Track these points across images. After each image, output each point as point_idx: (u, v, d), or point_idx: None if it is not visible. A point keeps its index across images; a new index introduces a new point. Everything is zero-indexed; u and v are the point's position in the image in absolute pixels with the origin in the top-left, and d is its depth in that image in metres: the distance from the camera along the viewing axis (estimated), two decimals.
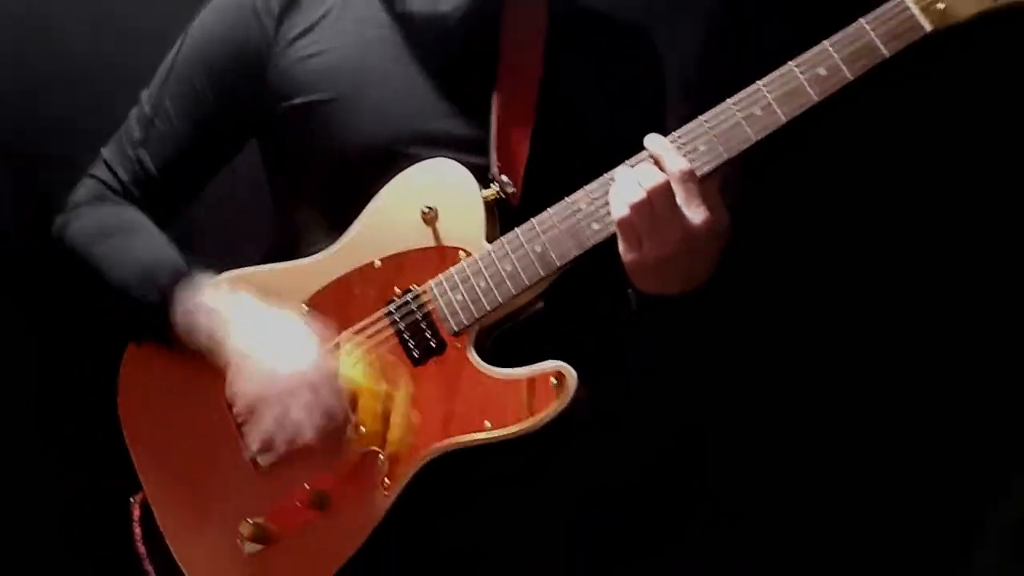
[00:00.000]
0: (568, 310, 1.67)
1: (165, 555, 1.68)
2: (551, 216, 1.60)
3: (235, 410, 1.61)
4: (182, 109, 1.74)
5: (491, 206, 1.65)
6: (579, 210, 1.59)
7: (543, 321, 1.64)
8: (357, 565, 1.62)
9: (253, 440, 1.60)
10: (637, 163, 1.55)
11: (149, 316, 1.66)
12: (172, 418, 1.71)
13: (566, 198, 1.60)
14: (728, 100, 1.55)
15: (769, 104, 1.53)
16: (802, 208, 2.38)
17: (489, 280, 1.61)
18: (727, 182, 1.57)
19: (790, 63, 1.54)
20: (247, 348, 1.60)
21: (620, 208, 1.53)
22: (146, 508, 1.70)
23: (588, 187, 1.59)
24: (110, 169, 1.77)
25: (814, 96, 1.53)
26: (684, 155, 1.53)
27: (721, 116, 1.54)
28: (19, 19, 2.29)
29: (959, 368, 2.38)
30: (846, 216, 2.38)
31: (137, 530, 1.70)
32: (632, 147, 1.58)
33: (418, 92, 1.70)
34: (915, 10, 1.50)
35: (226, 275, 1.69)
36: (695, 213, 1.51)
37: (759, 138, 1.54)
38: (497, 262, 1.61)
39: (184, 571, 1.67)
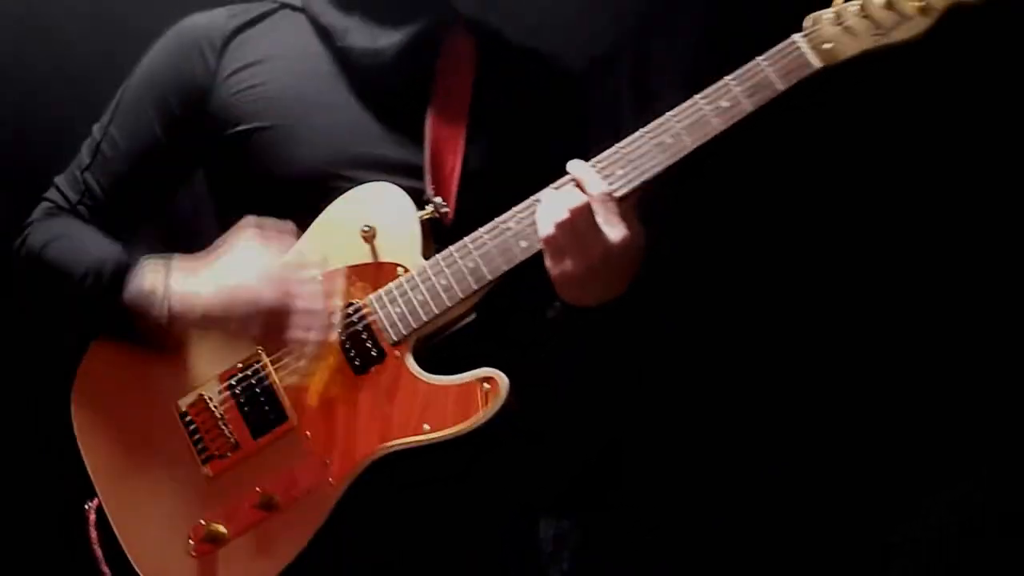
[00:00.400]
0: (499, 321, 1.81)
1: (121, 558, 1.77)
2: (482, 235, 1.74)
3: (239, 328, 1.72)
4: (127, 135, 1.86)
5: (426, 225, 1.79)
6: (508, 229, 1.73)
7: (477, 331, 1.78)
8: (303, 563, 1.73)
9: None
10: (561, 186, 1.71)
11: (101, 304, 1.76)
12: (125, 427, 1.81)
13: (496, 218, 1.74)
14: (642, 129, 1.72)
15: (678, 133, 1.70)
16: (724, 224, 2.50)
17: (425, 293, 1.74)
18: (646, 202, 1.73)
19: (696, 96, 1.71)
20: (213, 287, 1.72)
21: (546, 226, 1.67)
22: (101, 513, 1.79)
23: (516, 208, 1.74)
24: (60, 191, 1.88)
25: (717, 126, 1.69)
26: (603, 179, 1.69)
27: (636, 143, 1.70)
28: (19, 19, 2.34)
29: (864, 383, 2.50)
30: (762, 230, 2.50)
31: (93, 534, 1.79)
32: (555, 171, 1.73)
33: (355, 120, 1.83)
34: (805, 49, 1.69)
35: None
36: (614, 230, 1.66)
37: (669, 164, 1.70)
38: (433, 277, 1.75)
39: (139, 572, 1.76)
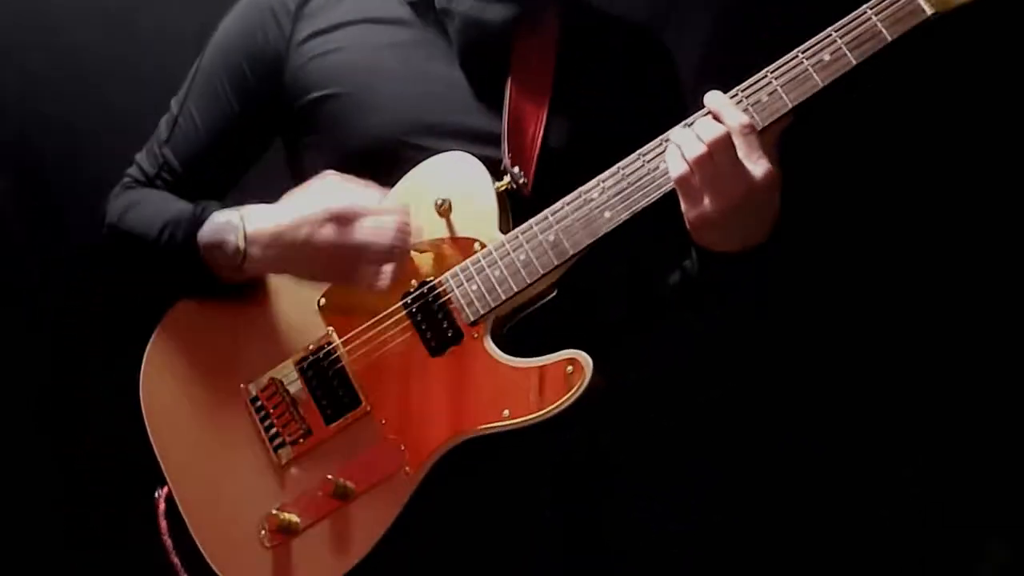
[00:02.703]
0: (583, 299, 1.70)
1: (191, 547, 1.71)
2: (564, 206, 1.64)
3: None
4: (204, 108, 1.80)
5: (503, 197, 1.68)
6: (592, 199, 1.63)
7: (557, 309, 1.67)
8: (379, 555, 1.65)
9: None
10: (694, 121, 1.58)
11: (179, 259, 1.71)
12: (195, 413, 1.75)
13: (579, 188, 1.64)
14: (749, 79, 1.59)
15: (778, 89, 1.57)
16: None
17: (504, 270, 1.64)
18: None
19: (796, 50, 1.58)
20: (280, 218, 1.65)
21: (679, 165, 1.56)
22: (171, 502, 1.73)
23: (600, 176, 1.63)
24: (139, 167, 1.84)
25: (819, 81, 1.56)
26: (743, 111, 1.56)
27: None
28: (21, 20, 2.33)
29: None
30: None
31: (163, 523, 1.73)
32: (642, 140, 1.62)
33: (431, 88, 1.74)
34: None
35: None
36: (756, 165, 1.54)
37: (795, 104, 1.57)
38: (511, 252, 1.64)
39: (210, 563, 1.70)
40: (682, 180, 1.56)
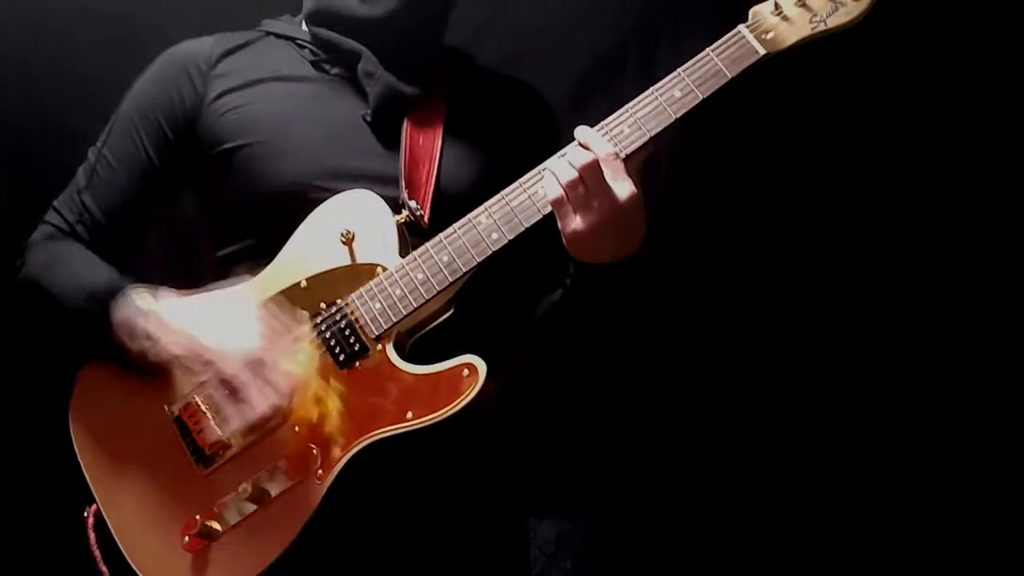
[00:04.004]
0: (479, 316, 1.89)
1: (119, 557, 1.83)
2: (455, 231, 1.83)
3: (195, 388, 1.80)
4: (122, 159, 1.96)
5: (403, 228, 1.88)
6: (480, 223, 1.83)
7: (457, 326, 1.86)
8: (294, 553, 1.77)
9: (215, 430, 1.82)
10: (567, 151, 1.79)
11: (92, 329, 1.85)
12: (121, 434, 1.88)
13: (469, 214, 1.84)
14: (612, 114, 1.82)
15: (636, 122, 1.81)
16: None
17: (404, 288, 1.83)
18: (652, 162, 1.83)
19: (652, 88, 1.82)
20: (193, 331, 1.81)
21: (554, 188, 1.77)
22: (99, 516, 1.85)
23: (487, 203, 1.83)
24: (59, 214, 1.98)
25: (672, 114, 1.80)
26: (608, 141, 1.78)
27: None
28: (19, 24, 2.42)
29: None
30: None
31: (91, 536, 1.84)
32: (523, 173, 1.83)
33: (334, 134, 1.93)
34: (750, 38, 1.80)
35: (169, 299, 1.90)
36: (621, 187, 1.76)
37: (651, 135, 1.79)
38: (410, 273, 1.83)
39: (136, 571, 1.81)
40: (557, 201, 1.77)
